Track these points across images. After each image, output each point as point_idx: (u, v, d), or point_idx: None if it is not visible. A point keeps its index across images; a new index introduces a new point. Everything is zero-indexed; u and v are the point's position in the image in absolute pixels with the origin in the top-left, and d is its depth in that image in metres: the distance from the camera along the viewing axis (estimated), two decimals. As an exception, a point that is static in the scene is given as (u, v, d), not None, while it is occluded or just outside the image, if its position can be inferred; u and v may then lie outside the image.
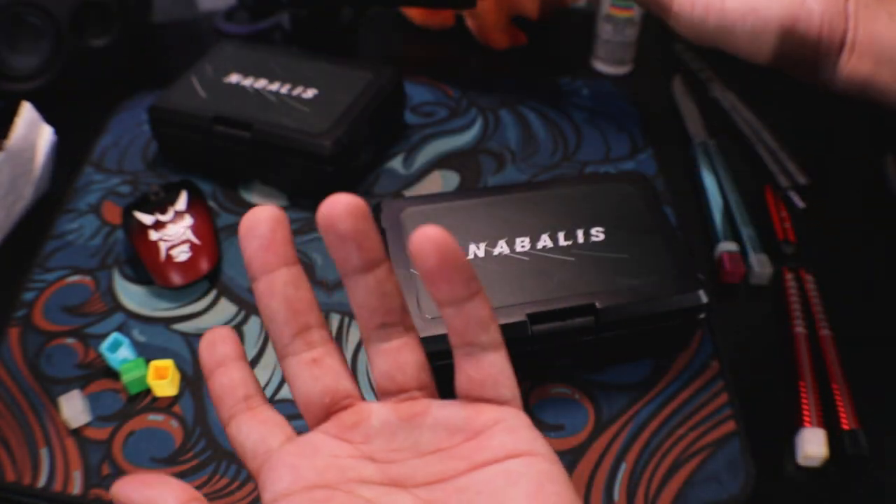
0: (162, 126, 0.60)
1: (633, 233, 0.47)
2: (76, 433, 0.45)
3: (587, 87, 0.70)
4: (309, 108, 0.57)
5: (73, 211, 0.58)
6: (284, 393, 0.47)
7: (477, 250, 0.46)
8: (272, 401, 0.46)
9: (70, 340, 0.49)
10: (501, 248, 0.46)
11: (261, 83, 0.60)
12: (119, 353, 0.47)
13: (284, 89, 0.59)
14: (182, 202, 0.56)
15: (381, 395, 0.32)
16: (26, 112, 0.57)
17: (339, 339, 0.49)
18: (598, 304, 0.43)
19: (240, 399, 0.32)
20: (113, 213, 0.58)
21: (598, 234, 0.47)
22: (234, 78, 0.61)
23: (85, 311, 0.51)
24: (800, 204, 0.59)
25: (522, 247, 0.46)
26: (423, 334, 0.42)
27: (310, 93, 0.59)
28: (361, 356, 0.48)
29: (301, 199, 0.59)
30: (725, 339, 0.49)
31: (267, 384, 0.47)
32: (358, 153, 0.58)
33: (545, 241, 0.46)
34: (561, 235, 0.47)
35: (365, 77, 0.60)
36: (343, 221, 0.29)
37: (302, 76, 0.61)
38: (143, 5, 0.73)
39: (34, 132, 0.58)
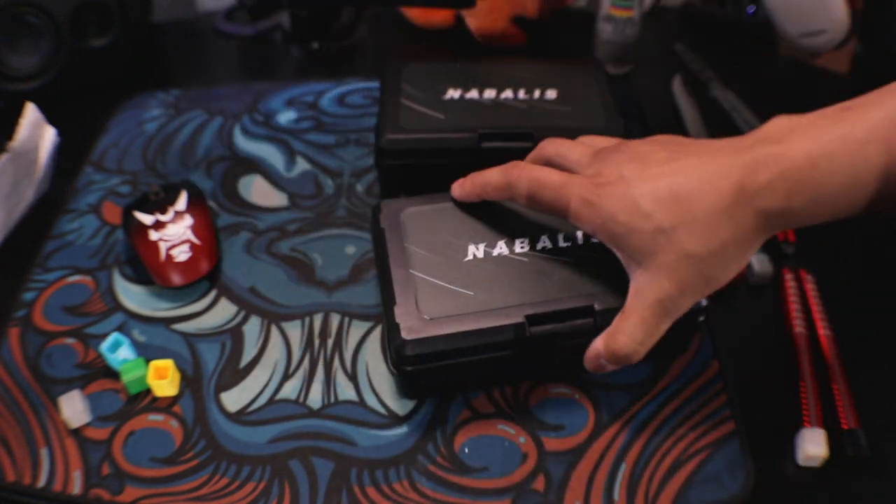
0: (405, 158, 0.54)
1: (632, 233, 0.47)
2: (76, 433, 0.45)
3: (587, 86, 0.70)
4: (563, 107, 0.56)
5: (73, 211, 0.58)
6: (284, 393, 0.47)
7: (476, 251, 0.46)
8: (272, 401, 0.46)
9: (70, 340, 0.49)
10: (501, 248, 0.46)
11: (489, 93, 0.56)
12: (119, 353, 0.47)
13: (521, 94, 0.57)
14: (182, 202, 0.56)
15: None
16: (30, 113, 0.57)
17: (339, 339, 0.49)
18: (596, 306, 0.43)
19: None
20: (113, 213, 0.58)
21: (597, 234, 0.47)
22: (453, 93, 0.56)
23: (85, 311, 0.51)
24: (800, 204, 0.59)
25: (521, 248, 0.46)
26: (422, 335, 0.41)
27: (551, 93, 0.57)
28: (361, 356, 0.48)
29: (301, 200, 0.59)
30: (725, 339, 0.49)
31: (267, 384, 0.47)
32: None
33: (544, 241, 0.46)
34: (560, 236, 0.47)
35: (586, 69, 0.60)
36: None
37: (528, 79, 0.58)
38: (143, 5, 0.73)
39: (38, 133, 0.58)
